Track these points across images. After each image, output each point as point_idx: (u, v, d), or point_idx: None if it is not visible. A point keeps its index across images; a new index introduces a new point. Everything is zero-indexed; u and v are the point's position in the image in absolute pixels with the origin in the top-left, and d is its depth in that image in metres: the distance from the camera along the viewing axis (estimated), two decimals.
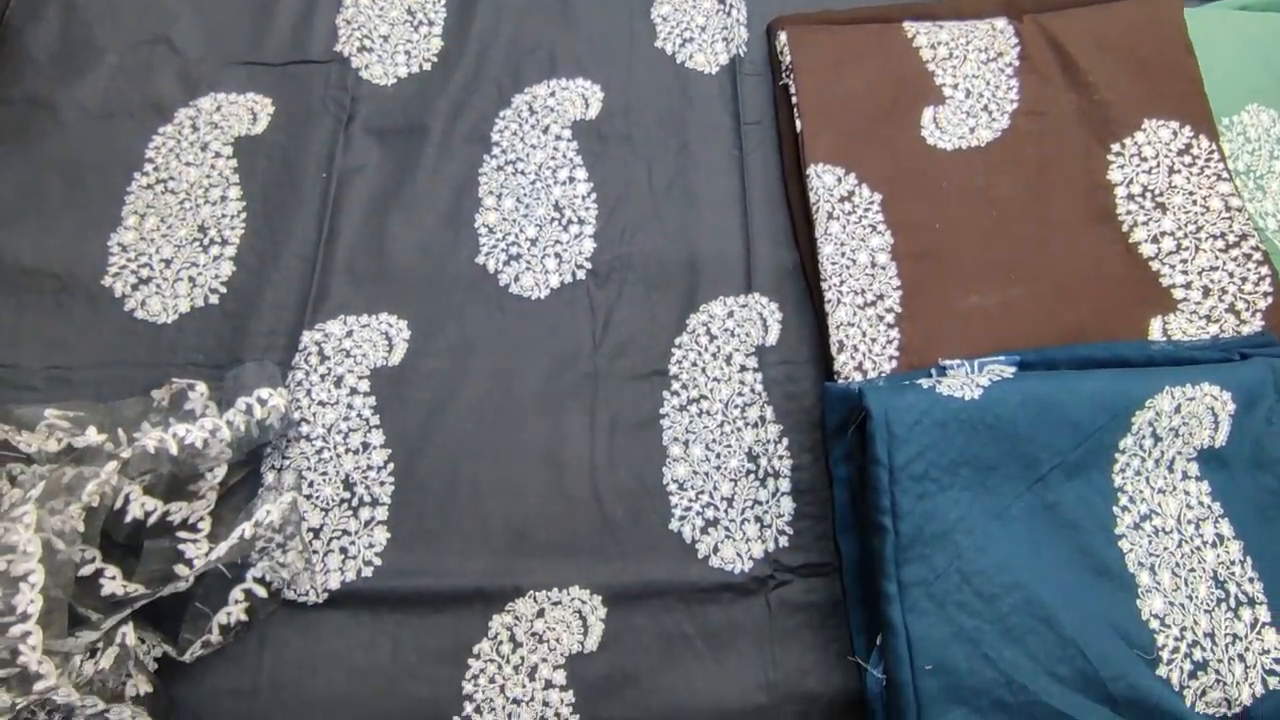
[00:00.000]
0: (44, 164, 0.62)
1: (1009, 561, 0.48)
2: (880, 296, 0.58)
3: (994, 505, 0.49)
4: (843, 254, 0.59)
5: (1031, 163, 0.61)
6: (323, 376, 0.57)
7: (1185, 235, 0.58)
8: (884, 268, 0.59)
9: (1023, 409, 0.49)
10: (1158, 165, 0.60)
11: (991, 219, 0.60)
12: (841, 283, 0.58)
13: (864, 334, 0.57)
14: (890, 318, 0.58)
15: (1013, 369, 0.52)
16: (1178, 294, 0.57)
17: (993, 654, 0.46)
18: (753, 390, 0.58)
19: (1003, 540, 0.48)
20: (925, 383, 0.51)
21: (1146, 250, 0.59)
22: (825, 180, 0.61)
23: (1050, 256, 0.58)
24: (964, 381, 0.50)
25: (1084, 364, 0.53)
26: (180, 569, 0.48)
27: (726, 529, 0.54)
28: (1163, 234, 0.58)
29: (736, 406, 0.57)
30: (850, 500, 0.54)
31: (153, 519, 0.49)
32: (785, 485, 0.56)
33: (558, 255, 0.61)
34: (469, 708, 0.50)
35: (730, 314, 0.60)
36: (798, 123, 0.63)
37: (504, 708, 0.50)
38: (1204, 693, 0.47)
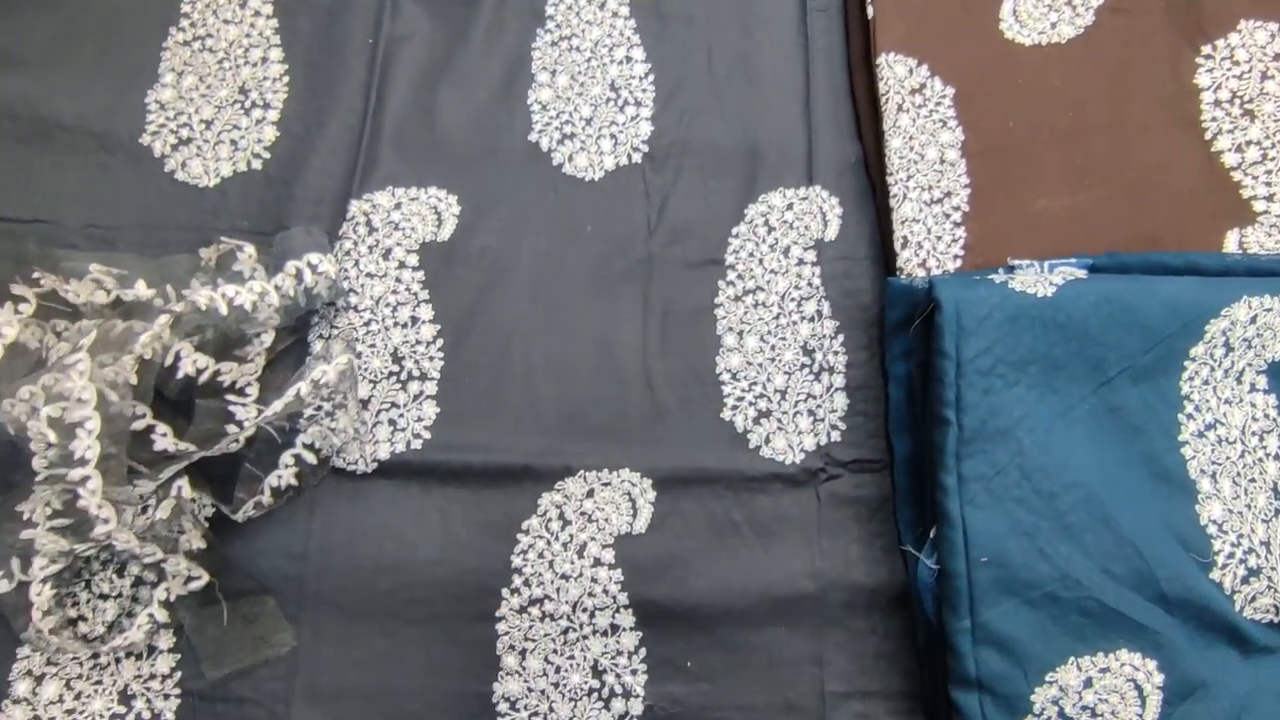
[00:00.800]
0: (78, 16, 0.59)
1: (1070, 461, 0.47)
2: (948, 194, 0.56)
3: (1059, 405, 0.48)
4: (911, 148, 0.57)
5: (1114, 63, 0.58)
6: (370, 248, 0.55)
7: (1273, 145, 0.56)
8: (953, 164, 0.57)
9: (1095, 310, 0.48)
10: (1250, 70, 0.57)
11: (1068, 120, 0.57)
12: (908, 178, 0.56)
13: (929, 231, 0.55)
14: (957, 216, 0.56)
15: (1084, 272, 0.51)
16: (1258, 206, 0.55)
17: (1048, 549, 0.46)
18: (810, 284, 0.56)
19: (1065, 440, 0.47)
20: (997, 278, 0.49)
21: (1229, 160, 0.56)
22: (896, 71, 0.58)
23: (1126, 162, 0.56)
24: (1037, 279, 0.49)
25: (1157, 271, 0.51)
26: (231, 428, 0.48)
27: (779, 421, 0.53)
28: (1248, 143, 0.56)
29: (793, 300, 0.56)
30: (906, 398, 0.53)
31: (204, 377, 0.48)
32: (839, 381, 0.55)
33: (613, 137, 0.59)
34: (517, 580, 0.50)
35: (790, 206, 0.58)
36: (869, 9, 0.60)
37: (552, 582, 0.50)
38: (1254, 598, 0.47)
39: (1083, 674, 0.45)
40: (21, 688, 0.46)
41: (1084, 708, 0.45)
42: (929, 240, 0.55)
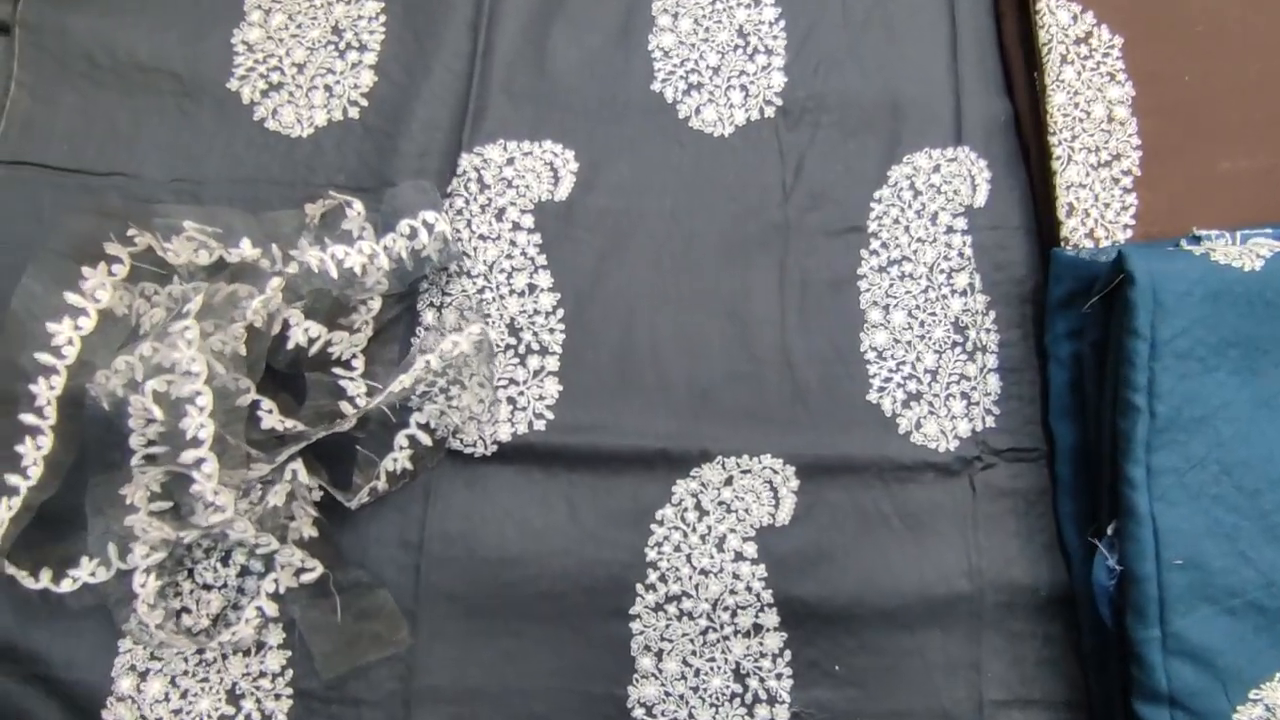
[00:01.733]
0: None
1: (1275, 454, 0.42)
2: (1117, 156, 0.51)
3: (1263, 392, 0.43)
4: (1076, 105, 0.51)
5: None
6: (483, 207, 0.50)
7: None
8: (1123, 123, 0.51)
9: None
10: None
11: (1254, 71, 0.51)
12: (1073, 138, 0.51)
13: (1096, 197, 0.50)
14: (1127, 180, 0.51)
15: None
16: None
17: (1252, 553, 0.42)
18: (961, 254, 0.51)
19: (1270, 431, 0.43)
20: (1196, 249, 0.44)
21: None
22: (1059, 18, 0.53)
23: None
24: (1240, 251, 0.44)
25: None
26: (345, 406, 0.43)
27: (930, 404, 0.49)
28: None
29: (942, 271, 0.51)
30: (1069, 382, 0.48)
31: (315, 348, 0.44)
32: (992, 361, 0.50)
33: (744, 88, 0.53)
34: (653, 575, 0.46)
35: (937, 168, 0.53)
36: None
37: (690, 577, 0.46)
38: None
39: None
40: (125, 684, 0.43)
41: None
42: (1096, 208, 0.50)
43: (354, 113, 0.51)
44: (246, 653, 0.43)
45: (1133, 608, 0.42)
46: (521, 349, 0.48)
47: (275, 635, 0.44)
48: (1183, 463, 0.43)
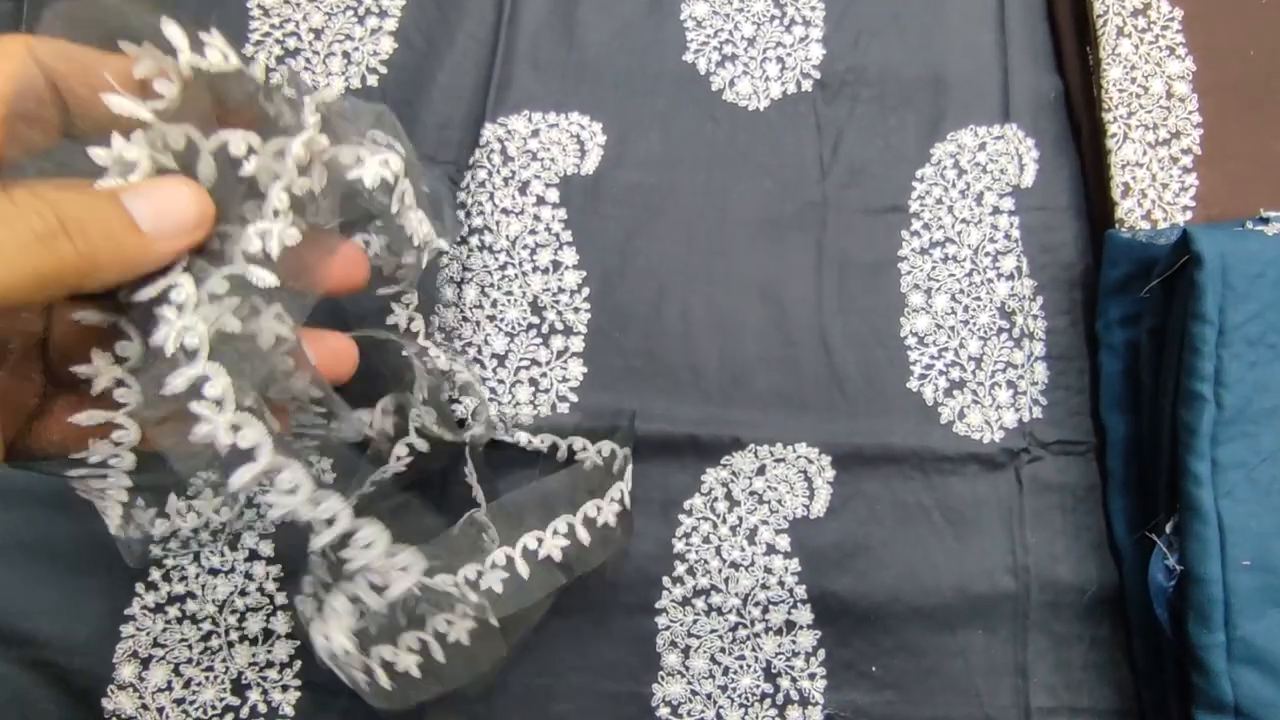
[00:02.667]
0: None
1: None
2: (1176, 134, 0.48)
3: None
4: (1133, 80, 0.49)
5: None
6: (506, 180, 0.48)
7: None
8: (1183, 100, 0.49)
9: None
10: None
11: None
12: (1130, 115, 0.48)
13: (1154, 177, 0.48)
14: (1187, 160, 0.48)
15: None
16: None
17: None
18: (1007, 236, 0.49)
19: None
20: (1269, 229, 0.42)
21: None
22: None
23: None
24: None
25: None
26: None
27: (974, 393, 0.46)
28: None
29: (988, 254, 0.48)
30: (1124, 371, 0.46)
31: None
32: (1040, 349, 0.47)
33: (780, 60, 0.51)
34: (680, 568, 0.43)
35: (982, 146, 0.50)
36: None
37: (720, 571, 0.43)
38: None
39: None
40: (127, 671, 0.41)
41: None
42: (1154, 188, 0.47)
43: (373, 80, 0.49)
44: (253, 641, 0.41)
45: (1195, 611, 0.40)
46: (545, 329, 0.46)
47: (284, 624, 0.42)
48: (1252, 456, 0.40)
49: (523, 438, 0.43)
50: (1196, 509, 0.40)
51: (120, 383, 0.28)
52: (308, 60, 0.49)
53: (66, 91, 0.26)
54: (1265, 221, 0.44)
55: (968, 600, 0.44)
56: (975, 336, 0.47)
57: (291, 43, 0.50)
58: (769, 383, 0.46)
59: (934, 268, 0.48)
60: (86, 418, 0.28)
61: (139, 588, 0.42)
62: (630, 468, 0.42)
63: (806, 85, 0.50)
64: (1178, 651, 0.41)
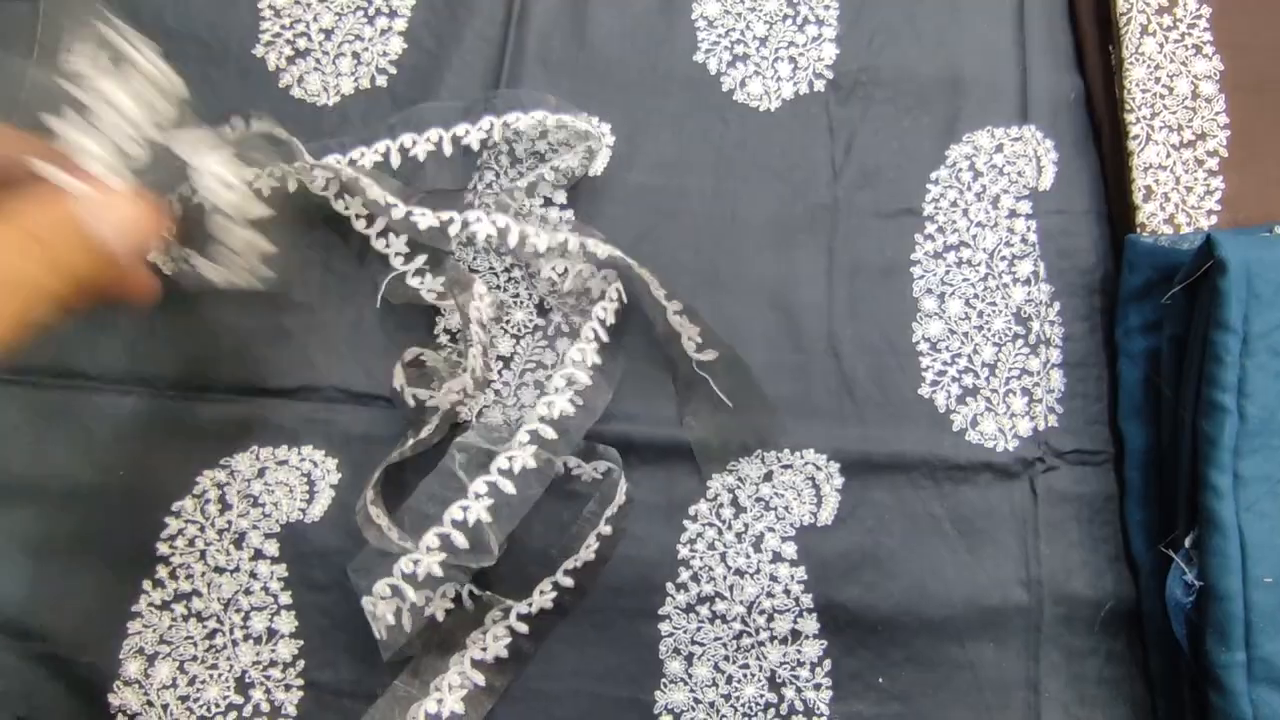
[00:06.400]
0: None
1: None
2: (1202, 135, 0.47)
3: None
4: (1157, 80, 0.47)
5: None
6: (513, 180, 0.47)
7: None
8: (1209, 100, 0.47)
9: None
10: None
11: None
12: (1153, 115, 0.47)
13: (1178, 180, 0.46)
14: (1213, 163, 0.46)
15: None
16: None
17: None
18: (1024, 240, 0.48)
19: None
20: None
21: None
22: None
23: None
24: None
25: None
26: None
27: (988, 400, 0.45)
28: None
29: (1004, 258, 0.47)
30: (1144, 379, 0.45)
31: None
32: (1057, 356, 0.46)
33: (792, 60, 0.50)
34: (684, 574, 0.43)
35: (999, 148, 0.49)
36: None
37: (725, 578, 0.43)
38: None
39: None
40: (132, 668, 0.41)
41: None
42: (1178, 191, 0.46)
43: (382, 81, 0.49)
44: (257, 640, 0.42)
45: (1214, 628, 0.38)
46: (551, 330, 0.46)
47: (287, 623, 0.42)
48: (1276, 470, 0.39)
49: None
50: (1217, 523, 0.38)
51: None
52: (318, 61, 0.50)
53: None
54: None
55: (978, 612, 0.43)
56: (989, 343, 0.46)
57: (302, 43, 0.50)
58: (777, 388, 0.45)
59: (948, 272, 0.47)
60: None
61: (145, 585, 0.42)
62: (623, 482, 0.42)
63: (819, 86, 0.50)
64: (1195, 670, 0.40)
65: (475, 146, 0.44)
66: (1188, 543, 0.40)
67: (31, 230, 0.29)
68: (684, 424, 0.44)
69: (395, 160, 0.46)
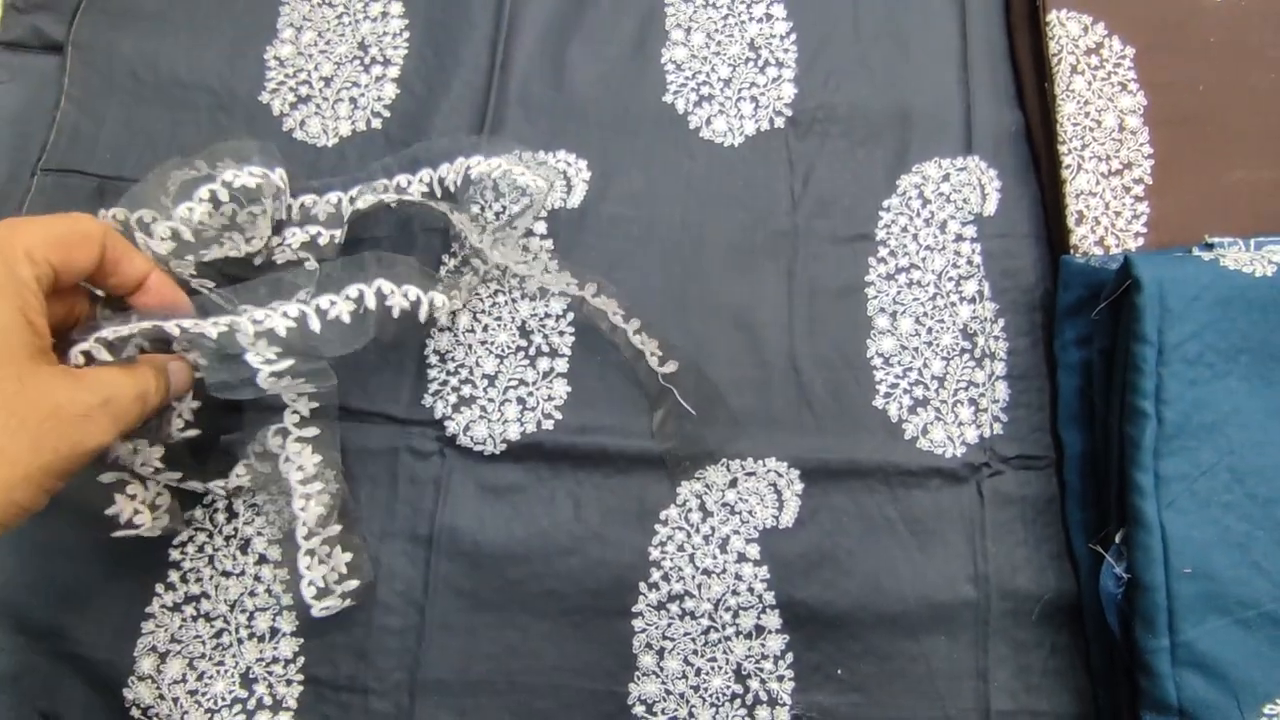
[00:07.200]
0: None
1: None
2: (1128, 165, 0.51)
3: (1275, 400, 0.43)
4: (1086, 114, 0.52)
5: None
6: (498, 214, 0.52)
7: None
8: (1134, 132, 0.51)
9: None
10: None
11: (1268, 82, 0.51)
12: (1084, 147, 0.51)
13: (1107, 206, 0.50)
14: (1139, 189, 0.50)
15: None
16: None
17: (1266, 563, 0.41)
18: (969, 262, 0.51)
19: None
20: (1205, 255, 0.44)
21: None
22: (1069, 29, 0.53)
23: None
24: (1252, 258, 0.43)
25: None
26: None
27: (937, 410, 0.49)
28: None
29: (951, 279, 0.51)
30: (1079, 389, 0.48)
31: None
32: (1001, 369, 0.50)
33: (754, 99, 0.54)
34: (656, 574, 0.46)
35: (946, 177, 0.53)
36: None
37: (693, 577, 0.46)
38: None
39: None
40: (146, 664, 0.44)
41: None
42: (1107, 216, 0.50)
43: (377, 124, 0.54)
44: (261, 639, 0.45)
45: (1141, 617, 0.42)
46: (532, 351, 0.50)
47: (288, 623, 0.45)
48: (1192, 469, 0.42)
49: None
50: (1141, 520, 0.42)
51: None
52: (318, 106, 0.54)
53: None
54: (1210, 248, 0.47)
55: (930, 608, 0.46)
56: (938, 357, 0.50)
57: (304, 90, 0.54)
58: (741, 402, 0.49)
59: (899, 292, 0.51)
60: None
61: (158, 588, 0.45)
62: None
63: (779, 123, 0.54)
64: (1127, 657, 0.43)
65: (452, 188, 0.49)
66: (1118, 539, 0.44)
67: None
68: (654, 435, 0.48)
69: (391, 199, 0.50)
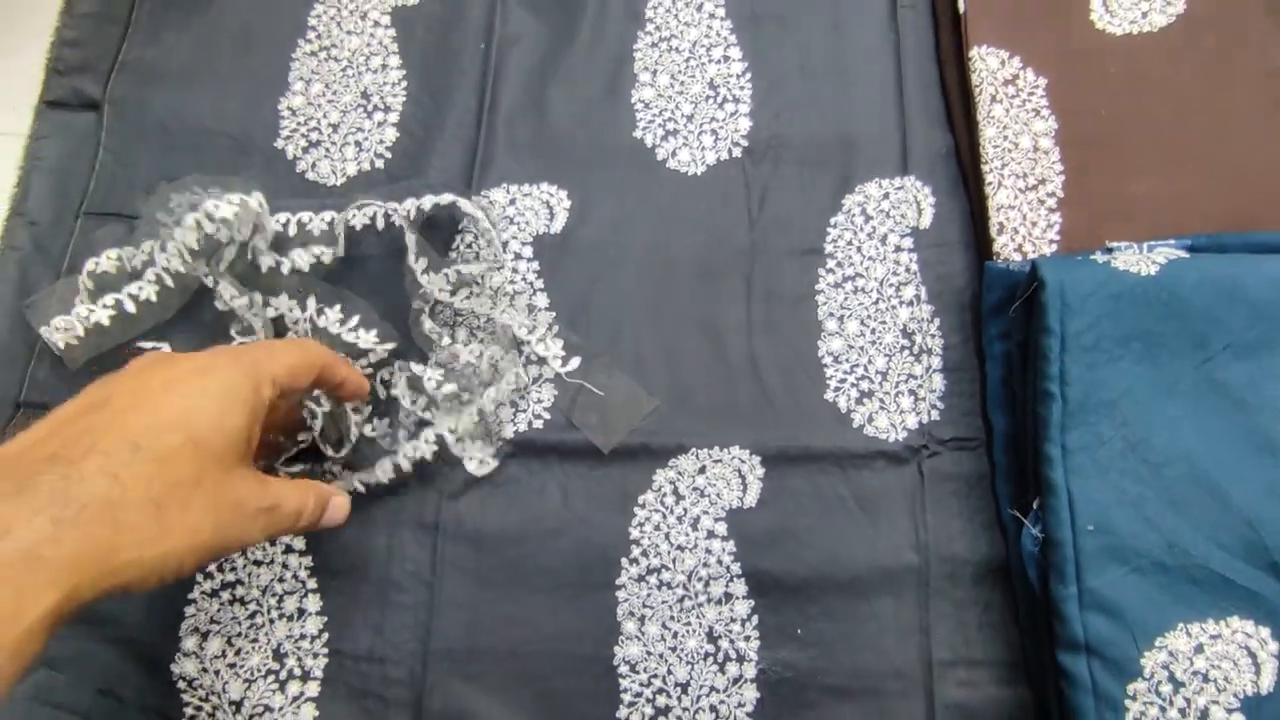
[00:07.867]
0: (215, 33, 0.64)
1: (1175, 433, 0.48)
2: (1042, 181, 0.58)
3: (1162, 380, 0.49)
4: (1005, 137, 0.59)
5: (1208, 49, 0.59)
6: (489, 242, 0.58)
7: None
8: (1047, 152, 0.58)
9: (1198, 288, 0.49)
10: None
11: (1164, 107, 0.58)
12: (1003, 166, 0.58)
13: (1024, 217, 0.57)
14: (1052, 202, 0.58)
15: (1184, 252, 0.52)
16: None
17: (1155, 518, 0.47)
18: (907, 270, 0.58)
19: (1170, 413, 0.49)
20: (1100, 258, 0.51)
21: None
22: (989, 63, 0.60)
23: (1226, 147, 0.57)
24: (1139, 259, 0.50)
25: (1259, 250, 0.52)
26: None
27: (881, 401, 0.56)
28: None
29: (891, 285, 0.58)
30: (1003, 377, 0.55)
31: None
32: (937, 363, 0.57)
33: (714, 132, 0.61)
34: (635, 551, 0.53)
35: (886, 195, 0.60)
36: (960, 4, 0.62)
37: (668, 553, 0.53)
38: None
39: (1193, 640, 0.46)
40: (190, 643, 0.51)
41: (1195, 673, 0.46)
42: (1025, 226, 0.57)
43: (379, 164, 0.61)
44: (290, 618, 0.51)
45: (1053, 569, 0.48)
46: (523, 360, 0.56)
47: (314, 603, 0.51)
48: (1093, 441, 0.49)
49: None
50: (1051, 485, 0.48)
51: None
52: (327, 150, 0.61)
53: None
54: (1110, 251, 0.54)
55: (879, 573, 0.52)
56: (881, 354, 0.57)
57: (314, 136, 0.61)
58: (708, 399, 0.55)
59: (846, 299, 0.58)
60: None
61: (198, 577, 0.52)
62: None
63: (737, 152, 0.61)
64: (1045, 606, 0.49)
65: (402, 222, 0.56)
66: (1035, 505, 0.50)
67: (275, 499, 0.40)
68: (574, 423, 0.54)
69: (381, 224, 0.56)
